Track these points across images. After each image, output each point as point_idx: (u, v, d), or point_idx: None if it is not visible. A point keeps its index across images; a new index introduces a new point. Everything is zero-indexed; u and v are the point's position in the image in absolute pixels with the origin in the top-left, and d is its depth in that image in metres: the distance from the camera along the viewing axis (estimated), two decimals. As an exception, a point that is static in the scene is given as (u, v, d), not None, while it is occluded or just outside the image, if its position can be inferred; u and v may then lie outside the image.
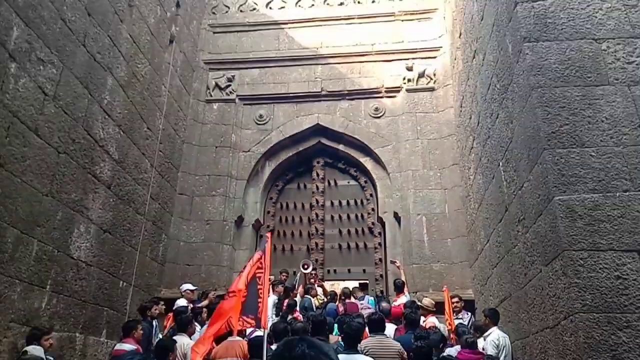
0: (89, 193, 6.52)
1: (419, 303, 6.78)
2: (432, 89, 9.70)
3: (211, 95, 10.30)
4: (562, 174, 4.14)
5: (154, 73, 8.55)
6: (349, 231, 9.71)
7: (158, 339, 6.42)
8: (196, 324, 6.06)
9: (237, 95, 10.26)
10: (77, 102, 6.27)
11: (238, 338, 5.07)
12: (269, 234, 5.10)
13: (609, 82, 4.41)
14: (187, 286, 7.46)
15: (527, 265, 4.93)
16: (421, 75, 9.76)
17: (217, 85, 10.30)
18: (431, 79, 9.74)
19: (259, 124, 10.11)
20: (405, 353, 4.61)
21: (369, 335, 4.89)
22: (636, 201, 3.90)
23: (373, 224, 9.65)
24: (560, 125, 4.32)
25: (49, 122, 5.70)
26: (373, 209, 9.74)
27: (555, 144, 4.26)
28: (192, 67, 10.28)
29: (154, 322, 6.56)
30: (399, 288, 7.54)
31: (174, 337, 5.17)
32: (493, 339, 5.39)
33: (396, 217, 9.09)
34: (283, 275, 8.32)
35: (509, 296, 5.71)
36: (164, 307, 6.99)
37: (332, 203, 9.99)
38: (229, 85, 10.30)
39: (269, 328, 6.04)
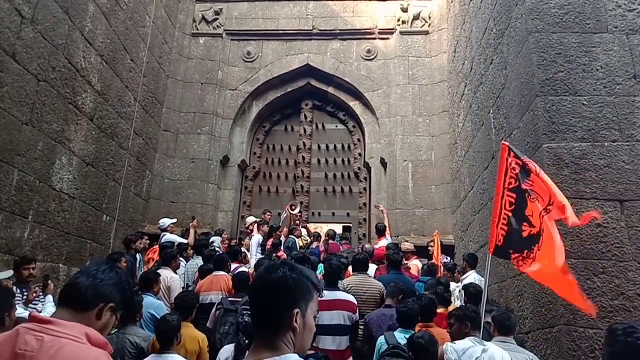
0: (70, 124, 6.34)
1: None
2: (426, 32, 9.45)
3: (197, 29, 9.90)
4: (553, 121, 4.12)
5: (138, 2, 8.14)
6: (334, 175, 9.72)
7: (141, 272, 6.48)
8: (181, 259, 6.11)
9: (225, 30, 9.89)
10: (57, 28, 5.97)
11: (222, 272, 5.14)
12: None
13: (608, 29, 4.32)
14: (170, 220, 7.46)
15: (510, 212, 5.00)
16: (416, 17, 9.48)
17: (203, 18, 9.88)
18: (426, 21, 9.48)
19: (246, 62, 9.82)
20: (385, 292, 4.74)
21: (352, 274, 5.00)
22: (623, 151, 3.93)
23: (359, 168, 9.66)
24: (555, 72, 4.26)
25: (27, 48, 5.44)
26: (360, 154, 9.73)
27: (548, 91, 4.22)
28: (178, -2, 9.82)
29: (138, 256, 6.58)
30: (380, 231, 7.66)
31: (158, 271, 5.20)
32: (469, 281, 5.56)
33: (382, 162, 9.10)
34: (267, 215, 8.36)
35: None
36: (147, 241, 7.01)
37: (319, 146, 9.93)
38: (216, 19, 9.89)
39: (252, 264, 6.15)
